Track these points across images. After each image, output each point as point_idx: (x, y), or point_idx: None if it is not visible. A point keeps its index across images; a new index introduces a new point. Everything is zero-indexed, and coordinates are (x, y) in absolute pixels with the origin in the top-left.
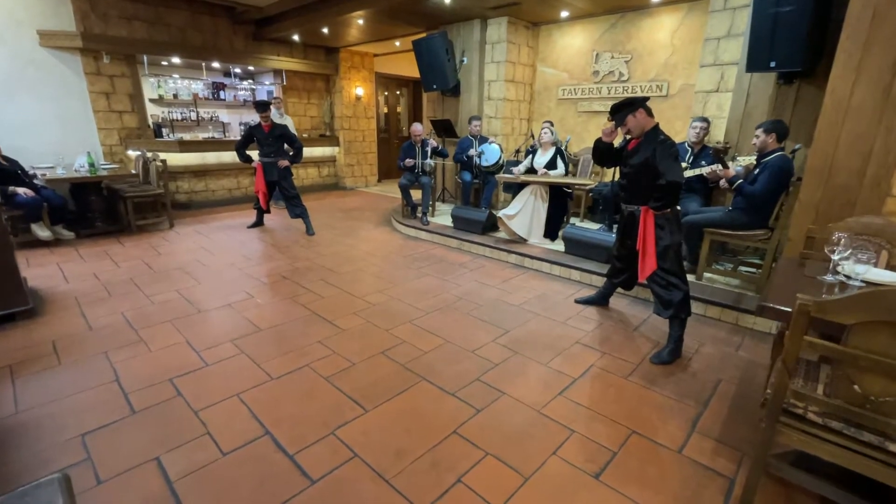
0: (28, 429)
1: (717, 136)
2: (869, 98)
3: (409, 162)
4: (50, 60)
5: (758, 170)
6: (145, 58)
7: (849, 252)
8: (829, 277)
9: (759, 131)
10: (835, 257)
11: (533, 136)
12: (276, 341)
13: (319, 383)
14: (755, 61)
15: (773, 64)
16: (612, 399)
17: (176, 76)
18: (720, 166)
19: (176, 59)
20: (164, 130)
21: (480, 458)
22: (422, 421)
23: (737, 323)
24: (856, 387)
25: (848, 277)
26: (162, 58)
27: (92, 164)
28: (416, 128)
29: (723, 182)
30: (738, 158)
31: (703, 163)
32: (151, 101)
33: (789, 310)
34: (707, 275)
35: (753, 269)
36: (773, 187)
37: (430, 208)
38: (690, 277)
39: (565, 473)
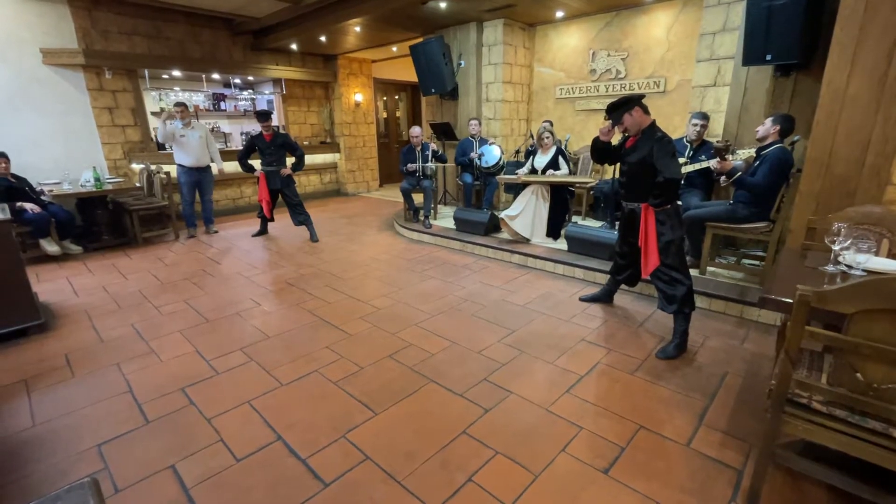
0: (45, 441)
1: (716, 129)
2: (865, 88)
3: (410, 167)
4: (53, 78)
5: (757, 162)
6: (146, 72)
7: (849, 242)
8: (830, 268)
9: (768, 121)
10: (835, 247)
11: (532, 136)
12: (285, 348)
13: (329, 388)
14: (751, 55)
15: (768, 57)
16: (619, 395)
17: (177, 89)
18: (717, 159)
19: (176, 72)
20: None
21: (490, 457)
22: (431, 422)
23: (741, 316)
24: (858, 375)
25: (849, 267)
26: (163, 71)
27: (97, 179)
28: (415, 130)
29: (723, 179)
30: (737, 152)
31: (703, 157)
32: (153, 114)
33: (790, 301)
34: (710, 269)
35: (757, 262)
36: (774, 178)
37: (433, 211)
38: (694, 272)
39: (574, 469)
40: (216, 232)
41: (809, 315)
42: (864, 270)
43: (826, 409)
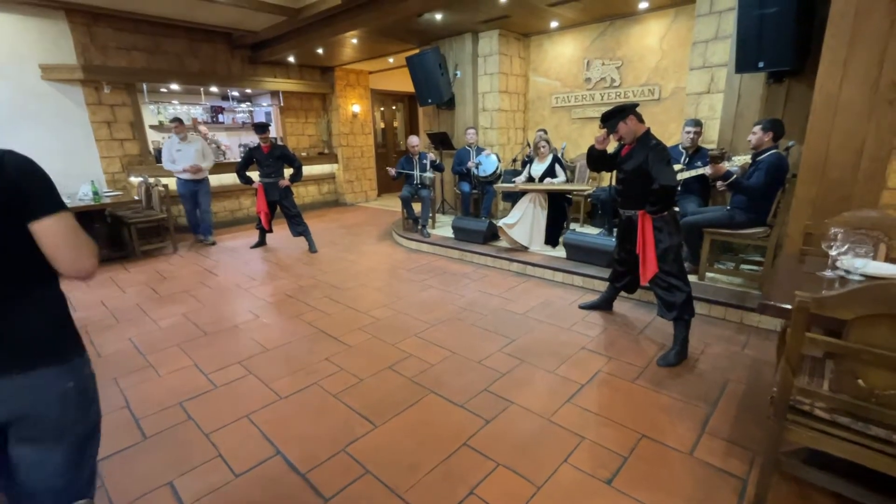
0: None
1: (711, 136)
2: (857, 94)
3: (391, 172)
4: (52, 93)
5: (753, 168)
6: (145, 86)
7: (846, 247)
8: (828, 273)
9: (758, 128)
10: (833, 252)
11: (529, 145)
12: (284, 360)
13: (328, 401)
14: (744, 62)
15: (761, 64)
16: (621, 404)
17: (175, 102)
18: (710, 166)
19: (175, 86)
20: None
21: (492, 469)
22: (432, 434)
23: (742, 321)
24: (860, 381)
25: (847, 272)
26: (161, 85)
27: (96, 193)
28: (413, 140)
29: (720, 184)
30: (733, 159)
31: (699, 164)
32: (152, 127)
33: (790, 307)
34: (709, 274)
35: (755, 267)
36: (769, 181)
37: (431, 220)
38: (692, 278)
39: (577, 480)
40: (213, 243)
41: (809, 321)
42: (862, 275)
43: (829, 416)
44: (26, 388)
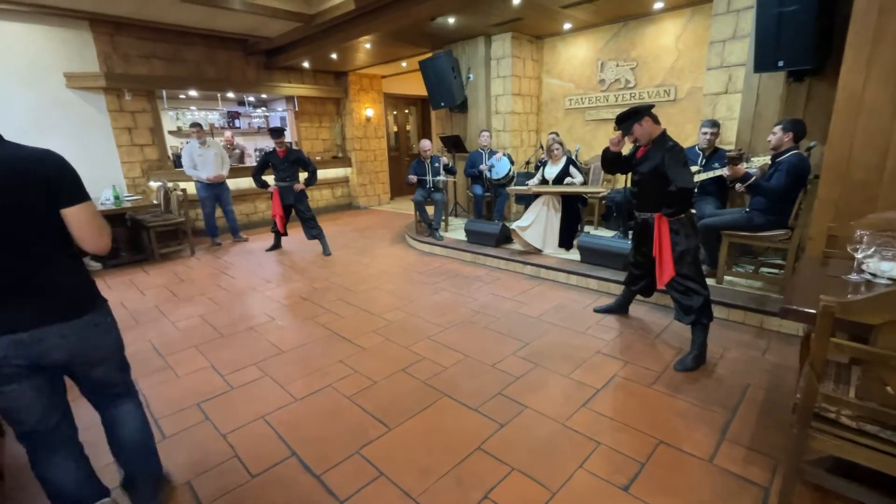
0: None
1: (729, 137)
2: (881, 92)
3: (411, 178)
4: (76, 101)
5: (773, 169)
6: (164, 92)
7: (873, 249)
8: (853, 276)
9: (777, 128)
10: (858, 255)
11: (542, 147)
12: (299, 362)
13: (342, 403)
14: (763, 62)
15: (781, 63)
16: (637, 409)
17: (193, 108)
18: (728, 167)
19: (193, 92)
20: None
21: (506, 474)
22: (445, 437)
23: (762, 326)
24: (888, 388)
25: (873, 275)
26: (180, 91)
27: (117, 197)
28: (425, 144)
29: (739, 186)
30: (752, 160)
31: (717, 165)
32: (171, 132)
33: (814, 312)
34: (728, 278)
35: (776, 270)
36: (790, 183)
37: (443, 223)
38: (710, 281)
39: (593, 486)
40: (246, 240)
41: (834, 326)
42: (889, 279)
43: (855, 424)
44: (82, 328)
